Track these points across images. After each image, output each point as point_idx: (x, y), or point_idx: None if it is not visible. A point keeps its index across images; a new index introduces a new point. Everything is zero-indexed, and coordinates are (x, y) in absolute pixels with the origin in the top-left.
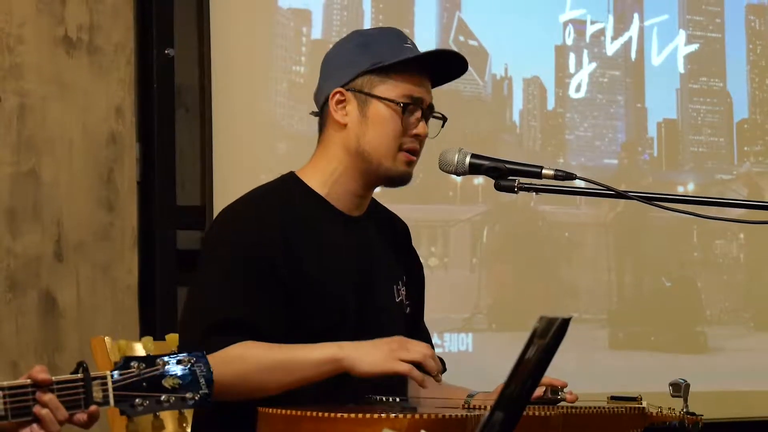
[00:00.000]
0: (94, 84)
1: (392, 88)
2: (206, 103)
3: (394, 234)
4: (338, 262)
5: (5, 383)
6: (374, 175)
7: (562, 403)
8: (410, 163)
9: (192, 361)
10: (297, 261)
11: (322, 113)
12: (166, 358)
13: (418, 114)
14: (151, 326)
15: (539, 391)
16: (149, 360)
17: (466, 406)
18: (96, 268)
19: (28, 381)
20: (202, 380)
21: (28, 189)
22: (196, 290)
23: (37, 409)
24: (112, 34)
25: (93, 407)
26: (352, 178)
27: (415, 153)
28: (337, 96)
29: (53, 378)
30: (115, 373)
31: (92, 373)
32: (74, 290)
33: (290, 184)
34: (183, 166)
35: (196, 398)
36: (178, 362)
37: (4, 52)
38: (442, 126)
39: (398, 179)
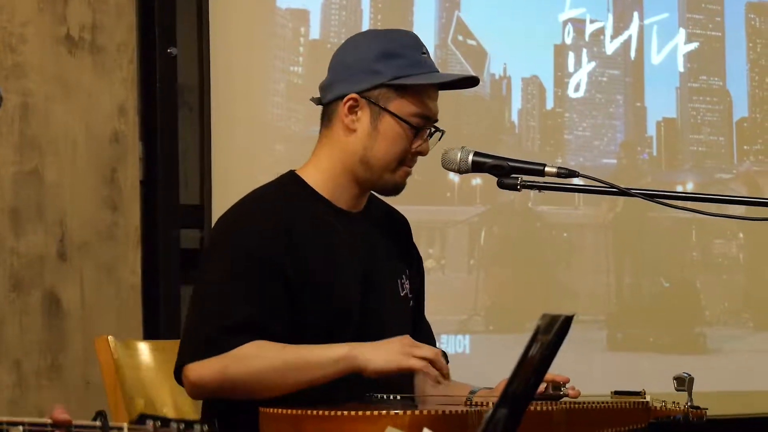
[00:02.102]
0: (96, 83)
1: (407, 106)
2: (205, 102)
3: (395, 227)
4: (342, 259)
5: (26, 420)
6: (370, 183)
7: (565, 399)
8: (407, 176)
9: (204, 429)
10: (301, 260)
11: (328, 109)
12: (180, 423)
13: (425, 132)
14: (154, 326)
15: (541, 387)
16: (165, 421)
17: (469, 403)
18: (100, 267)
19: (49, 420)
20: None
21: (31, 188)
22: (201, 292)
23: None
24: (114, 34)
25: None
26: (351, 180)
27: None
28: (350, 102)
29: (73, 421)
30: (132, 426)
31: (110, 423)
32: (78, 290)
33: (291, 183)
34: (186, 165)
35: None
36: (191, 429)
37: (6, 52)
38: (439, 139)
39: (392, 190)
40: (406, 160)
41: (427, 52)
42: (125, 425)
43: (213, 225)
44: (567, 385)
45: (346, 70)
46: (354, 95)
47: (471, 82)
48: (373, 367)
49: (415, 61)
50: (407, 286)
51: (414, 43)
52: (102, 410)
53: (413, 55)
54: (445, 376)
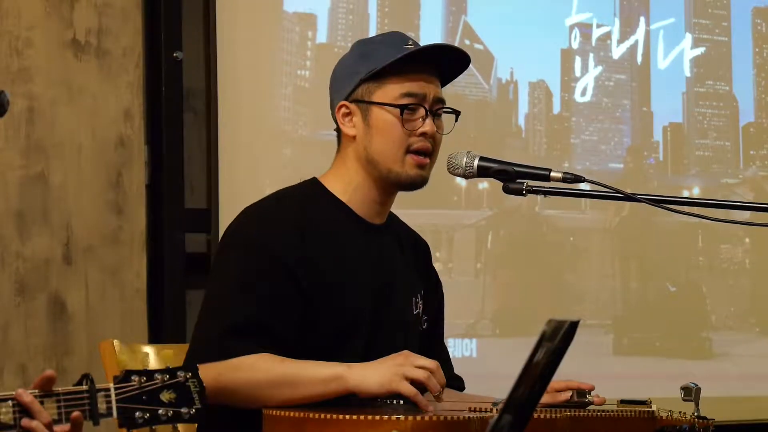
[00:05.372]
0: (102, 87)
1: (389, 91)
2: (212, 106)
3: (415, 249)
4: (358, 267)
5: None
6: (387, 182)
7: (569, 407)
8: (421, 166)
9: (187, 376)
10: (315, 265)
11: (337, 127)
12: (164, 374)
13: (421, 112)
14: (159, 329)
15: (566, 395)
16: (149, 374)
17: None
18: (105, 271)
19: (36, 392)
20: (195, 396)
21: (37, 192)
22: (213, 289)
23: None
24: (120, 38)
25: (75, 413)
26: (370, 186)
27: (426, 153)
28: (342, 109)
29: (60, 389)
30: (117, 385)
31: (97, 386)
32: (83, 294)
33: (313, 188)
34: (191, 169)
35: (191, 413)
36: (175, 377)
37: (12, 56)
38: (456, 120)
39: (409, 184)
40: (411, 145)
41: (413, 45)
42: (111, 386)
43: (229, 224)
44: (592, 393)
45: (334, 85)
46: (342, 102)
47: (459, 57)
48: (366, 391)
49: (393, 52)
50: (421, 306)
51: (397, 39)
52: (87, 373)
53: (393, 46)
54: (437, 397)
